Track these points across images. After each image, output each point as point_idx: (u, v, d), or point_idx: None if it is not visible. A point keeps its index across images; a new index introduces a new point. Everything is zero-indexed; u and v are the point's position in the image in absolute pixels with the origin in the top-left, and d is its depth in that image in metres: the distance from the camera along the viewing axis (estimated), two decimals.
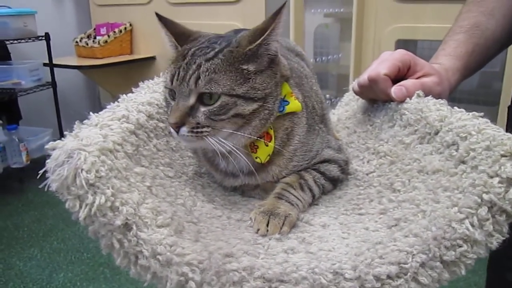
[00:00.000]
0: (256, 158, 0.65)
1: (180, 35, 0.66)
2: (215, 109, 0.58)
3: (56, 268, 2.08)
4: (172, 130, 0.59)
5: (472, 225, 0.47)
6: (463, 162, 0.53)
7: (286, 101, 0.65)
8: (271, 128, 0.64)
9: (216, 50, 0.60)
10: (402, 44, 2.25)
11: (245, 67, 0.59)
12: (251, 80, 0.59)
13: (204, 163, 0.71)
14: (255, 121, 0.60)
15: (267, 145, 0.64)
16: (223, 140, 0.59)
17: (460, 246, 0.47)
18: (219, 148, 0.59)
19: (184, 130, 0.58)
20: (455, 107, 0.64)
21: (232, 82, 0.58)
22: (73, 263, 2.12)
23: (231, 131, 0.60)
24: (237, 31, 0.68)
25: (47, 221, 2.47)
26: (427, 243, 0.47)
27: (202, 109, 0.58)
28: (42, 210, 2.57)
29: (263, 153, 0.64)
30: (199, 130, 0.58)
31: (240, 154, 0.61)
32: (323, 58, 2.93)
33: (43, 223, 2.46)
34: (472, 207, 0.47)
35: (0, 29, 2.56)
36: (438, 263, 0.47)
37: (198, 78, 0.58)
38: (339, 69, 2.88)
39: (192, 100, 0.59)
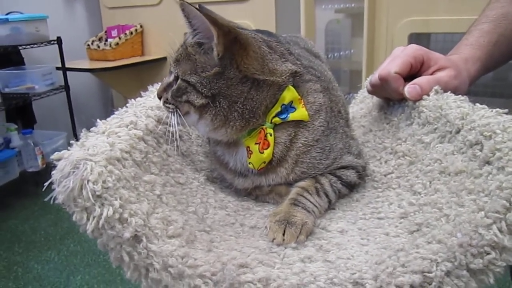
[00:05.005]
0: (249, 163, 0.63)
1: None
2: (174, 90, 0.63)
3: (73, 270, 2.09)
4: None
5: (500, 231, 0.44)
6: (488, 163, 0.50)
7: (293, 107, 0.63)
8: (270, 135, 0.62)
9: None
10: (415, 38, 2.20)
11: (196, 57, 0.62)
12: (201, 73, 0.61)
13: (214, 163, 0.70)
14: (207, 115, 0.62)
15: (262, 152, 0.62)
16: (189, 125, 0.66)
17: (488, 253, 0.44)
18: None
19: (161, 101, 0.66)
20: (477, 104, 0.60)
21: (187, 69, 0.62)
22: (90, 265, 2.13)
23: (194, 119, 0.63)
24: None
25: (63, 224, 2.49)
26: (452, 251, 0.45)
27: (173, 87, 0.64)
28: (58, 214, 2.58)
29: (256, 160, 0.63)
30: (166, 105, 0.65)
31: (239, 153, 0.65)
32: (335, 54, 2.89)
33: (60, 226, 2.47)
34: (499, 211, 0.44)
35: (13, 34, 2.57)
36: (464, 272, 0.44)
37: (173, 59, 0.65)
38: (351, 65, 2.83)
39: (171, 78, 0.65)
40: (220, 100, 0.60)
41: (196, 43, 0.62)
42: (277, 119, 0.62)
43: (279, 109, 0.62)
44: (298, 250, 0.52)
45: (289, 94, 0.62)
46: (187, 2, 0.59)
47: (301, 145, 0.64)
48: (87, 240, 2.31)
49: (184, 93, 0.62)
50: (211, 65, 0.60)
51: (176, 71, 0.63)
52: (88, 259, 2.18)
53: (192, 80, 0.61)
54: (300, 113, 0.63)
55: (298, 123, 0.64)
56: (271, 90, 0.62)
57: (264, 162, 0.63)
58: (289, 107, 0.62)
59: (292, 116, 0.62)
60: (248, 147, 0.63)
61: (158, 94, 0.67)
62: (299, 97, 0.63)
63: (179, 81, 0.63)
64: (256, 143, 0.62)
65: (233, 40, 0.59)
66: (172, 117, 0.64)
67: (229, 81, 0.60)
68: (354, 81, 2.75)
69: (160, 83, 0.70)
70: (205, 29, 0.59)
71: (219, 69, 0.60)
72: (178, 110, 0.64)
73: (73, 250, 2.26)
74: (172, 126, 0.64)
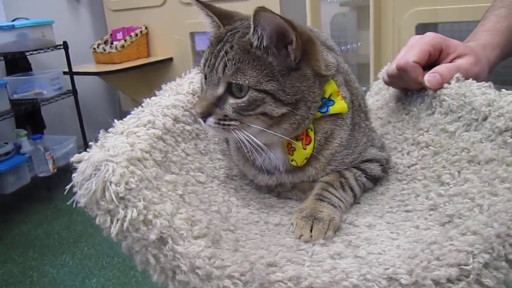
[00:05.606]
0: (292, 161, 0.61)
1: (223, 15, 0.62)
2: (243, 104, 0.54)
3: (88, 273, 2.09)
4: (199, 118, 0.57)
5: None
6: None
7: (332, 100, 0.61)
8: (311, 130, 0.60)
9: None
10: (421, 28, 2.17)
11: (269, 59, 0.54)
12: (279, 79, 0.54)
13: (237, 159, 0.68)
14: (285, 124, 0.56)
15: (305, 148, 0.60)
16: (251, 137, 0.56)
17: None
18: (247, 144, 0.56)
19: (210, 120, 0.56)
20: (503, 90, 0.59)
21: (259, 75, 0.54)
22: (105, 268, 2.13)
23: (261, 128, 0.56)
24: None
25: (76, 228, 2.49)
26: (489, 241, 0.43)
27: (231, 101, 0.55)
28: (71, 217, 2.59)
29: (300, 156, 0.61)
30: (226, 122, 0.55)
31: (273, 152, 0.60)
32: (342, 48, 2.85)
33: (73, 230, 2.48)
34: None
35: (20, 40, 2.58)
36: (503, 263, 0.43)
37: (226, 66, 0.54)
38: (358, 59, 2.80)
39: (220, 89, 0.56)
40: (302, 105, 0.56)
41: (265, 47, 0.55)
42: (318, 113, 0.60)
43: (320, 103, 0.60)
44: (327, 247, 0.51)
45: (330, 87, 0.61)
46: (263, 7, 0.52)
47: (337, 144, 0.62)
48: (100, 242, 2.31)
49: (259, 105, 0.54)
50: (286, 68, 0.55)
51: (241, 81, 0.54)
52: (102, 261, 2.18)
53: (272, 87, 0.54)
54: (340, 105, 0.61)
55: (335, 121, 0.62)
56: (323, 84, 0.60)
57: (306, 158, 0.61)
58: (327, 100, 0.61)
59: (332, 109, 0.60)
60: (289, 144, 0.60)
61: (205, 112, 0.56)
62: (337, 89, 0.61)
63: (250, 91, 0.54)
64: (298, 139, 0.60)
65: (306, 41, 0.56)
66: (234, 135, 0.56)
67: (309, 82, 0.56)
68: (361, 75, 2.72)
69: (197, 98, 0.61)
70: (272, 32, 0.53)
71: (299, 71, 0.55)
72: (241, 125, 0.56)
73: (87, 253, 2.26)
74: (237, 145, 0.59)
